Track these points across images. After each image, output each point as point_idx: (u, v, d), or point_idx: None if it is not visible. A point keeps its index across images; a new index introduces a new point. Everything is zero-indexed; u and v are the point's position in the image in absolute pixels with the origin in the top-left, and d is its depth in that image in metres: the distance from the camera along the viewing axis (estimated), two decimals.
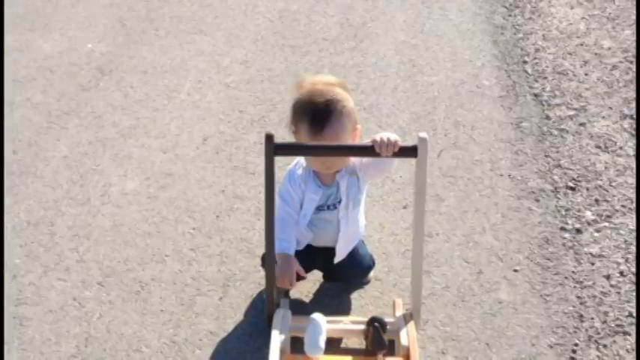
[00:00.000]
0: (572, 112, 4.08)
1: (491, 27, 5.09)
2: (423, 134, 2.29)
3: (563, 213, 3.32)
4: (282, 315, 2.41)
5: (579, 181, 3.52)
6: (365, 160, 2.54)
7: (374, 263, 2.88)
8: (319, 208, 2.59)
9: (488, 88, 4.34)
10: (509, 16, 5.26)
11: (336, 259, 2.72)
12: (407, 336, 2.30)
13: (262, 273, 2.92)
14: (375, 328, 2.22)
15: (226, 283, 2.95)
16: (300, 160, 2.61)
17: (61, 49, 4.84)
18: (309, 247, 2.70)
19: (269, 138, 2.28)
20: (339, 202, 2.58)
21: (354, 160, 2.57)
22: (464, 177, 3.57)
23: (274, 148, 2.29)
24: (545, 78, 4.44)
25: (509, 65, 4.60)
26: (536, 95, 4.27)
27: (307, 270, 2.73)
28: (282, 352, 2.24)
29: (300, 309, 2.73)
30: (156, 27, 5.12)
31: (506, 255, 3.08)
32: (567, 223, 3.25)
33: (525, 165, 3.65)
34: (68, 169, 3.67)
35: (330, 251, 2.69)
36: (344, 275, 2.82)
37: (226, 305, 2.85)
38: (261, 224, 3.20)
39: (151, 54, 4.76)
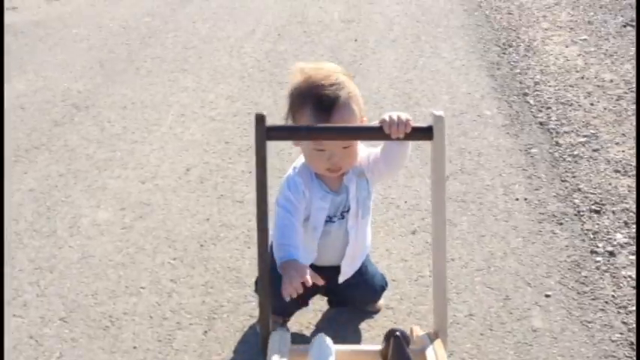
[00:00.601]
0: (583, 139, 3.80)
1: (486, 63, 4.87)
2: (439, 112, 1.92)
3: (592, 236, 2.98)
4: (279, 337, 1.97)
5: (603, 205, 3.19)
6: (373, 156, 2.17)
7: (386, 284, 2.49)
8: (327, 220, 2.19)
9: (490, 118, 4.06)
10: (504, 53, 5.06)
11: (342, 278, 2.32)
12: (434, 354, 1.88)
13: (255, 303, 2.53)
14: (397, 338, 1.81)
15: (212, 316, 2.54)
16: (298, 166, 2.21)
17: (35, 87, 4.54)
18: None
19: (260, 119, 1.87)
20: (348, 210, 2.19)
21: (361, 160, 2.20)
22: (475, 201, 3.22)
23: (266, 131, 1.89)
24: (550, 108, 4.17)
25: (510, 97, 4.34)
26: (542, 124, 3.99)
27: (308, 297, 2.33)
28: None
29: (300, 342, 2.31)
30: (137, 67, 4.84)
31: (534, 280, 2.71)
32: (598, 246, 2.90)
33: (541, 189, 3.32)
34: (34, 201, 3.29)
35: (335, 270, 2.29)
36: (353, 297, 2.42)
37: (212, 340, 2.43)
38: (251, 252, 2.82)
39: (130, 91, 4.45)
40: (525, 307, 2.58)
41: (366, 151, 2.19)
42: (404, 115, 1.92)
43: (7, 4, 6.22)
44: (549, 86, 4.47)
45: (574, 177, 3.44)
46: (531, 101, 4.27)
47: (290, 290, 1.84)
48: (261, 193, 1.87)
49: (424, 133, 1.95)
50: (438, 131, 1.92)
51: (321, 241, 2.21)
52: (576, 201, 3.24)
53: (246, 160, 3.58)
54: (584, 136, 3.83)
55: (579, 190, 3.33)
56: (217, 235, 3.01)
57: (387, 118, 1.91)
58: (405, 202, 3.24)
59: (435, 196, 1.99)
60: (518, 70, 4.73)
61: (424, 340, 1.97)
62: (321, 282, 1.90)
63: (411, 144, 2.09)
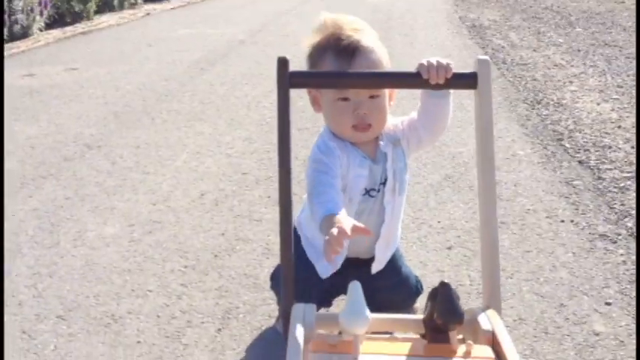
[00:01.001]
0: (627, 174, 3.54)
1: (514, 115, 4.69)
2: (484, 56, 1.67)
3: None
4: (303, 309, 1.59)
5: None
6: (407, 122, 1.90)
7: (422, 287, 2.14)
8: (364, 193, 1.88)
9: (524, 157, 3.83)
10: (533, 109, 4.89)
11: (375, 267, 2.00)
12: (489, 320, 1.54)
13: (274, 305, 2.22)
14: (446, 285, 1.48)
15: (226, 316, 2.23)
16: (327, 133, 1.92)
17: (47, 132, 4.38)
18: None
19: (283, 62, 1.62)
20: (384, 182, 1.88)
21: (394, 127, 1.92)
22: (517, 223, 2.95)
23: (289, 77, 1.63)
24: (588, 150, 3.94)
25: (544, 141, 4.13)
26: (581, 162, 3.75)
27: (332, 297, 2.02)
28: (305, 342, 1.46)
29: None
30: (152, 117, 4.69)
31: (591, 290, 2.40)
32: None
33: (589, 214, 3.05)
34: (37, 218, 3.05)
35: (364, 266, 1.98)
36: (387, 299, 2.06)
37: (226, 337, 2.12)
38: (271, 262, 2.53)
39: (144, 135, 4.28)
40: (584, 314, 2.26)
41: (397, 119, 1.93)
42: (443, 60, 1.67)
43: (24, 71, 6.21)
44: (585, 133, 4.25)
45: (623, 205, 3.17)
46: (567, 144, 4.05)
47: (331, 250, 1.41)
48: (284, 146, 1.59)
49: (467, 80, 1.68)
50: (483, 78, 1.64)
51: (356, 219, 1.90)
52: (629, 224, 2.96)
53: (265, 187, 3.34)
54: (629, 172, 3.58)
55: (630, 215, 3.05)
56: (233, 247, 2.73)
57: (426, 63, 1.66)
58: (439, 222, 2.97)
59: (482, 153, 1.72)
60: (549, 122, 4.54)
61: (475, 311, 1.63)
62: (369, 233, 1.56)
63: (452, 100, 1.82)
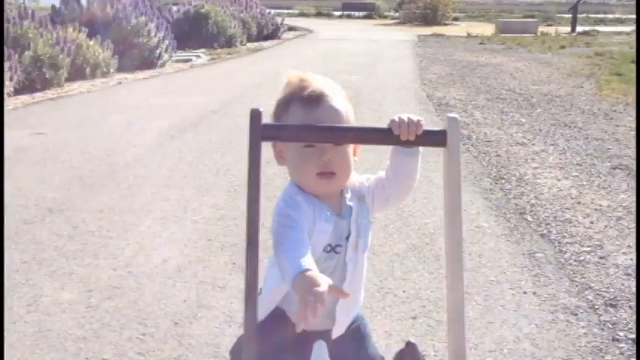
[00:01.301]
0: (587, 249, 3.59)
1: (479, 189, 4.75)
2: (453, 114, 1.69)
3: (611, 326, 2.69)
4: None
5: (619, 300, 2.93)
6: (373, 180, 1.88)
7: None
8: (326, 250, 1.84)
9: (488, 229, 3.86)
10: (496, 183, 4.97)
11: (337, 331, 1.92)
12: None
13: None
14: (412, 347, 1.47)
15: None
16: (293, 188, 1.89)
17: (7, 195, 4.29)
18: (275, 315, 1.91)
19: (256, 114, 1.61)
20: (347, 237, 1.85)
21: (359, 184, 1.91)
22: (480, 294, 2.95)
23: (262, 129, 1.61)
24: (549, 224, 4.00)
25: (507, 214, 4.17)
26: (542, 235, 3.80)
27: None
28: None
29: None
30: (118, 182, 4.66)
31: None
32: (619, 335, 2.61)
33: (551, 285, 3.07)
34: None
35: (324, 337, 1.92)
36: None
37: None
38: (233, 330, 2.48)
39: (109, 199, 4.24)
40: None
41: (362, 177, 1.92)
42: (414, 117, 1.68)
43: None
44: (546, 208, 4.32)
45: (583, 277, 3.20)
46: (529, 218, 4.10)
47: (308, 312, 1.36)
48: (254, 201, 1.56)
49: (437, 137, 1.68)
50: (452, 136, 1.66)
51: None
52: (589, 297, 2.98)
53: (230, 254, 3.31)
54: (589, 246, 3.63)
55: (591, 288, 3.08)
56: (194, 314, 2.67)
57: (397, 119, 1.68)
58: (404, 291, 2.96)
59: (449, 213, 1.70)
60: (512, 196, 4.60)
61: None
62: (346, 295, 1.54)
63: (420, 158, 1.82)
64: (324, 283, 1.41)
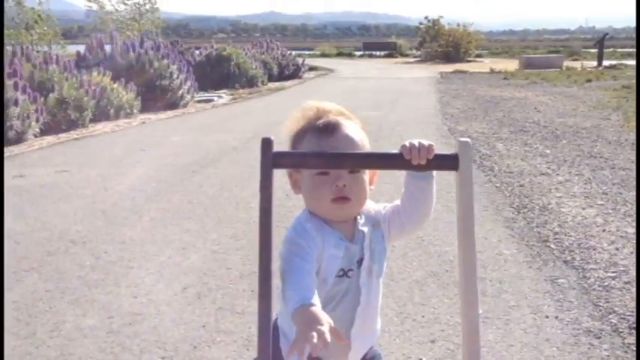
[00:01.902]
0: (612, 274, 3.54)
1: (501, 218, 4.72)
2: (465, 138, 1.70)
3: (634, 349, 2.63)
4: None
5: None
6: (390, 207, 1.89)
7: None
8: (339, 274, 1.85)
9: (510, 256, 3.83)
10: (519, 213, 4.93)
11: (352, 357, 1.91)
12: None
13: None
14: None
15: None
16: (303, 215, 1.91)
17: (33, 228, 4.37)
18: None
19: (267, 143, 1.63)
20: (361, 260, 1.85)
21: (375, 211, 1.92)
22: (501, 318, 2.91)
23: (273, 157, 1.64)
24: (573, 251, 3.95)
25: (529, 242, 4.14)
26: (566, 262, 3.75)
27: None
28: None
29: None
30: (140, 215, 4.71)
31: None
32: None
33: (573, 310, 3.02)
34: (15, 310, 2.99)
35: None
36: None
37: None
38: (251, 353, 2.48)
39: (130, 231, 4.28)
40: None
41: (379, 205, 1.93)
42: (425, 142, 1.68)
43: (14, 172, 6.27)
44: (570, 236, 4.28)
45: (607, 302, 3.15)
46: (552, 245, 4.06)
47: (300, 346, 1.38)
48: (266, 228, 1.56)
49: (449, 161, 1.69)
50: (464, 159, 1.66)
51: (328, 305, 1.85)
52: (613, 320, 2.93)
53: (249, 281, 3.31)
54: (614, 272, 3.58)
55: (615, 312, 3.03)
56: (213, 339, 2.68)
57: (408, 144, 1.68)
58: (423, 316, 2.93)
59: (463, 238, 1.68)
60: (535, 224, 4.57)
61: None
62: (344, 341, 1.53)
63: (435, 183, 1.83)
64: (326, 323, 1.41)
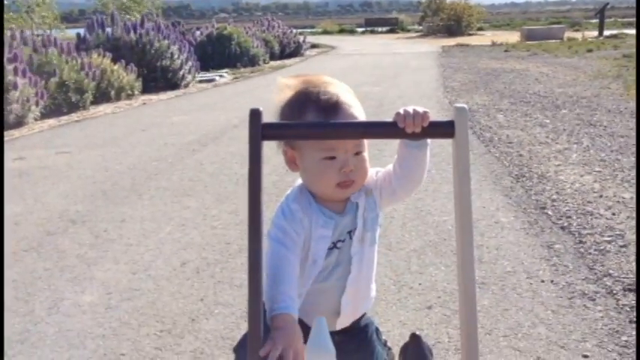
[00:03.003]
0: (608, 238, 3.55)
1: (499, 187, 4.73)
2: (461, 104, 1.66)
3: (629, 309, 2.65)
4: None
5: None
6: (382, 173, 1.87)
7: None
8: (330, 248, 1.83)
9: (507, 224, 3.84)
10: (517, 181, 4.93)
11: (341, 323, 1.89)
12: None
13: None
14: (416, 339, 1.45)
15: None
16: (293, 192, 1.89)
17: (32, 210, 4.39)
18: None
19: (255, 114, 1.60)
20: (352, 231, 1.83)
21: (370, 176, 1.90)
22: (497, 284, 2.93)
23: (262, 128, 1.61)
24: (570, 217, 3.96)
25: (527, 210, 4.15)
26: (563, 228, 3.76)
27: None
28: None
29: None
30: (140, 194, 4.73)
31: (568, 344, 2.37)
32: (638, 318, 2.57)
33: (569, 274, 3.04)
34: (13, 289, 3.02)
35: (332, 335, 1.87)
36: None
37: None
38: None
39: (130, 209, 4.31)
40: None
41: (371, 170, 1.91)
42: (420, 109, 1.65)
43: (14, 154, 6.29)
44: (567, 203, 4.28)
45: (603, 266, 3.16)
46: (550, 212, 4.07)
47: (273, 354, 1.38)
48: (255, 202, 1.56)
49: (445, 129, 1.64)
50: (460, 126, 1.61)
51: (319, 277, 1.84)
52: (608, 283, 2.95)
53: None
54: (609, 236, 3.59)
55: (610, 275, 3.04)
56: (211, 311, 2.70)
57: (402, 112, 1.64)
58: (420, 284, 2.95)
59: (460, 205, 1.65)
60: (533, 192, 4.57)
61: None
62: None
63: (429, 151, 1.80)
64: (299, 339, 1.43)
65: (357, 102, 1.77)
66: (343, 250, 1.76)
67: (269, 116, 1.53)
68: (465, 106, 1.54)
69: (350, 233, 1.77)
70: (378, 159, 1.73)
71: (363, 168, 1.70)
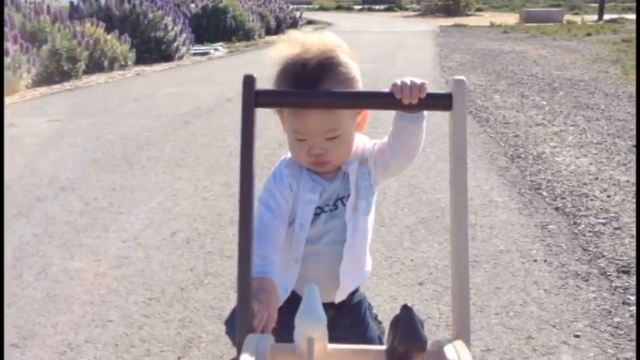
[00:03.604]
0: (603, 220, 3.53)
1: (494, 167, 4.70)
2: (460, 77, 1.61)
3: (622, 291, 2.64)
4: (257, 339, 1.47)
5: (632, 267, 2.87)
6: (379, 145, 1.83)
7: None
8: (316, 212, 1.81)
9: (501, 203, 3.82)
10: (512, 162, 4.91)
11: (340, 295, 1.87)
12: (455, 351, 1.41)
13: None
14: (407, 310, 1.40)
15: (188, 345, 2.16)
16: (287, 158, 1.86)
17: (22, 175, 4.34)
18: (290, 300, 1.85)
19: (249, 80, 1.55)
20: (347, 197, 1.80)
21: (365, 148, 1.86)
22: (490, 262, 2.91)
23: (255, 95, 1.56)
24: (565, 199, 3.94)
25: (522, 190, 4.12)
26: (557, 209, 3.74)
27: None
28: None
29: None
30: (131, 164, 4.68)
31: (560, 323, 2.36)
32: (630, 299, 2.56)
33: (562, 254, 3.02)
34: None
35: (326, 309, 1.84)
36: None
37: None
38: None
39: (121, 179, 4.26)
40: (552, 345, 2.21)
41: (371, 142, 1.86)
42: (417, 80, 1.60)
43: (5, 121, 6.20)
44: (562, 184, 4.26)
45: (597, 247, 3.14)
46: (544, 193, 4.05)
47: (259, 321, 1.43)
48: (246, 169, 1.51)
49: (442, 101, 1.58)
50: (458, 99, 1.56)
51: (311, 247, 1.81)
52: (601, 264, 2.93)
53: None
54: (604, 218, 3.57)
55: (603, 256, 3.03)
56: (201, 281, 2.67)
57: (399, 82, 1.59)
58: (412, 260, 2.93)
59: (455, 180, 1.60)
60: (528, 173, 4.55)
61: (442, 342, 1.52)
62: (269, 327, 1.51)
63: (425, 126, 1.75)
64: (275, 304, 1.46)
65: (352, 82, 1.71)
66: (336, 216, 1.72)
67: (264, 83, 1.49)
68: (464, 78, 1.49)
69: (342, 200, 1.74)
70: (373, 136, 1.69)
71: (338, 150, 1.66)
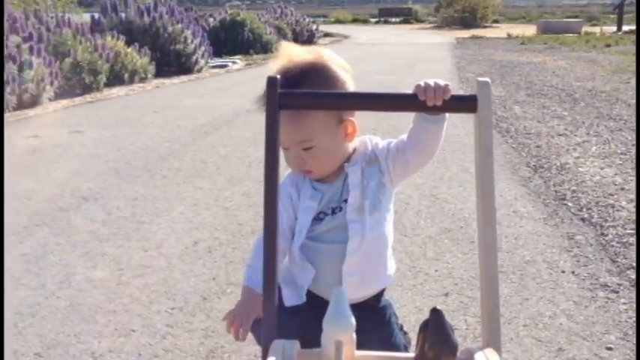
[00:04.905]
0: (630, 231, 3.47)
1: (517, 177, 4.65)
2: (484, 78, 1.57)
3: None
4: (283, 345, 1.44)
5: None
6: (395, 143, 1.78)
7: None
8: (317, 218, 1.79)
9: (526, 213, 3.77)
10: (535, 172, 4.85)
11: (349, 295, 1.81)
12: (486, 358, 1.38)
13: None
14: (438, 312, 1.37)
15: (210, 355, 2.14)
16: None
17: (44, 185, 4.35)
18: (307, 301, 1.82)
19: (272, 82, 1.53)
20: (345, 200, 1.76)
21: (375, 147, 1.81)
22: (516, 273, 2.86)
23: (279, 97, 1.54)
24: (590, 209, 3.88)
25: (546, 200, 4.07)
26: (583, 220, 3.68)
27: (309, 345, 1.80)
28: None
29: None
30: (152, 174, 4.68)
31: (591, 335, 2.30)
32: None
33: (590, 265, 2.96)
34: (25, 262, 2.97)
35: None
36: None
37: None
38: None
39: (143, 189, 4.26)
40: (583, 358, 2.16)
41: (383, 141, 1.83)
42: (441, 81, 1.57)
43: (28, 132, 6.26)
44: (587, 195, 4.20)
45: (626, 258, 3.08)
46: (569, 204, 3.99)
47: (232, 325, 1.57)
48: (271, 171, 1.49)
49: (467, 103, 1.55)
50: (483, 100, 1.53)
51: (312, 250, 1.78)
52: (632, 276, 2.87)
53: (260, 237, 3.26)
54: (632, 229, 3.50)
55: (633, 268, 2.96)
56: (223, 290, 2.65)
57: (423, 84, 1.56)
58: (436, 270, 2.88)
59: (482, 183, 1.56)
60: (552, 183, 4.49)
61: (472, 349, 1.48)
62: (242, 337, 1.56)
63: (445, 126, 1.72)
64: (253, 309, 1.56)
65: (336, 78, 1.69)
66: (339, 217, 1.69)
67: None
68: (488, 80, 1.46)
69: (346, 201, 1.70)
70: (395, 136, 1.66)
71: (317, 161, 1.67)
